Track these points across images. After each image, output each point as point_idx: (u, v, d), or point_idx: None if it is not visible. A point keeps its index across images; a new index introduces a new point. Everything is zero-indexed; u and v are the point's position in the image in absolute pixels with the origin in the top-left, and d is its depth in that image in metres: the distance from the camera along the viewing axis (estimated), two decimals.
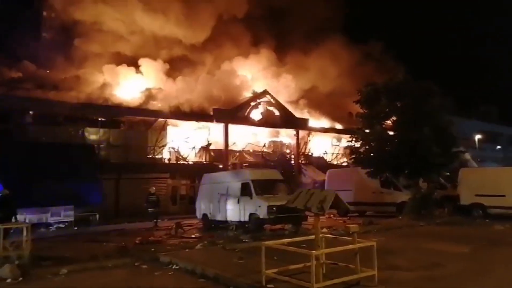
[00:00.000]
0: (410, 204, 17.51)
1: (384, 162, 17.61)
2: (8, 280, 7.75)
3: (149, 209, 18.01)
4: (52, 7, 30.91)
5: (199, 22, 31.82)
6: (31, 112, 23.26)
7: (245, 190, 15.19)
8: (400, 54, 46.09)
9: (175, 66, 31.53)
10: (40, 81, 26.15)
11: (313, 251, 6.06)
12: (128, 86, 28.58)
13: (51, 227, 17.75)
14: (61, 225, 18.11)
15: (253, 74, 33.87)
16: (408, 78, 18.63)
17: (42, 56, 29.50)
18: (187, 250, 10.71)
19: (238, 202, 15.33)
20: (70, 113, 23.52)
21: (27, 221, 15.11)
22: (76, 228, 17.80)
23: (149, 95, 27.96)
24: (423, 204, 17.24)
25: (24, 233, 8.84)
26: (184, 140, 27.96)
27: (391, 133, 18.52)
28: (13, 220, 11.16)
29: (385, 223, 15.80)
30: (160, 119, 26.82)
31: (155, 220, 17.76)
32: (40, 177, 17.17)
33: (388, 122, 18.58)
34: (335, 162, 34.28)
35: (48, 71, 28.36)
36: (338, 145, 36.24)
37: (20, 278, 7.87)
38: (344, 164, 32.45)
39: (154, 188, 19.24)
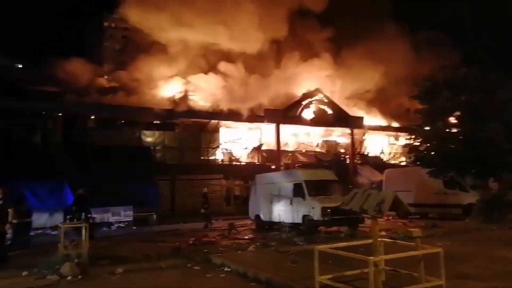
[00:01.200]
0: (478, 206, 16.14)
1: (447, 161, 16.43)
2: (69, 278, 8.08)
3: (202, 210, 18.22)
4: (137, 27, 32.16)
5: (265, 31, 31.39)
6: (93, 117, 24.61)
7: (297, 191, 14.84)
8: (460, 43, 42.56)
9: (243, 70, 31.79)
10: (127, 89, 28.10)
11: (371, 257, 5.57)
12: (203, 90, 29.47)
13: (112, 226, 18.54)
14: (121, 225, 18.78)
15: (306, 73, 33.19)
16: (474, 70, 17.24)
17: (128, 65, 31.48)
18: (239, 252, 10.59)
19: (291, 203, 15.01)
20: (128, 117, 24.62)
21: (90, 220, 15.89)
22: (135, 227, 18.40)
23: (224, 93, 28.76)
24: (494, 206, 15.79)
25: (83, 232, 9.17)
26: (236, 141, 28.12)
27: (453, 130, 17.31)
28: (82, 217, 11.81)
29: (450, 226, 14.69)
30: (213, 121, 27.18)
31: (210, 221, 17.97)
32: (101, 178, 17.95)
33: (451, 118, 17.37)
34: (392, 162, 32.78)
35: (135, 80, 29.75)
36: (396, 144, 34.64)
37: (79, 276, 8.16)
38: (403, 163, 30.95)
39: (206, 188, 19.58)
